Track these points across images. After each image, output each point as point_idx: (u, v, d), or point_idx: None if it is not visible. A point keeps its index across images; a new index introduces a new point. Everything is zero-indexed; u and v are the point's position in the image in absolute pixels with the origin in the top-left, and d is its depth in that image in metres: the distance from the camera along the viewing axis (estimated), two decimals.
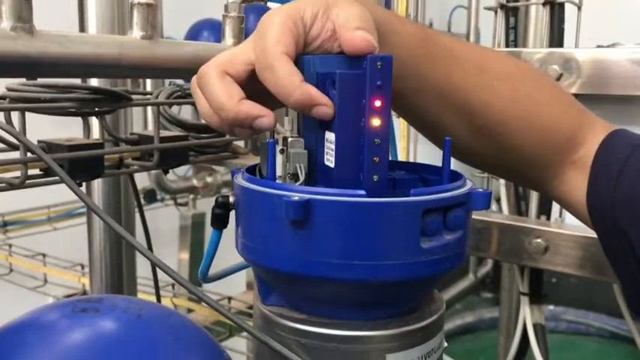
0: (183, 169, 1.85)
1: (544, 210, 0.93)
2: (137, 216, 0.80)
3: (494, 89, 0.53)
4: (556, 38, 0.97)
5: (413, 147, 0.99)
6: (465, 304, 2.98)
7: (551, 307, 2.76)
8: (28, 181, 0.46)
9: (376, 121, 0.38)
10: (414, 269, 0.38)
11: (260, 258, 0.40)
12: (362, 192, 0.37)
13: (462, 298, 2.94)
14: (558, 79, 0.84)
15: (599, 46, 0.90)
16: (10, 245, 1.51)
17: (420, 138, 1.02)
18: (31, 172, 0.49)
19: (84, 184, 0.73)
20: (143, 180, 1.85)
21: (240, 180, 0.42)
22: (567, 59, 0.85)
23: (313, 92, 0.39)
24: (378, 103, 0.38)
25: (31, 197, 1.68)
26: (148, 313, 0.31)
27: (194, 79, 0.42)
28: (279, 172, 0.42)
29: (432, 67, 0.50)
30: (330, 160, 0.40)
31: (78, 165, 0.49)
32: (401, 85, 0.48)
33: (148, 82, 1.36)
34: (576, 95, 0.87)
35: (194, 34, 1.67)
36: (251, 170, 0.45)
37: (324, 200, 0.37)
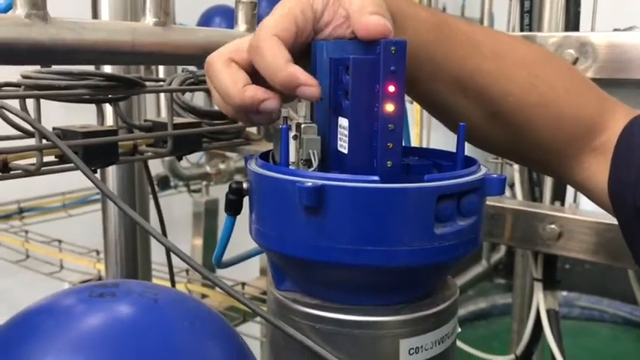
0: (196, 156, 1.86)
1: (558, 196, 0.93)
2: (151, 202, 0.81)
3: (511, 75, 0.52)
4: (572, 22, 0.96)
5: (426, 133, 0.99)
6: (478, 290, 2.99)
7: (564, 293, 2.76)
8: (43, 168, 0.47)
9: (390, 107, 0.38)
10: (428, 255, 0.38)
11: (274, 244, 0.40)
12: (375, 178, 0.37)
13: (474, 284, 2.94)
14: (574, 63, 0.83)
15: (615, 30, 0.88)
16: (26, 232, 1.53)
17: (433, 124, 1.01)
18: (46, 159, 0.50)
19: (98, 170, 0.73)
20: (156, 167, 1.85)
21: (254, 166, 0.42)
22: (583, 43, 0.83)
23: (298, 72, 0.39)
24: (391, 89, 0.38)
25: (46, 184, 1.70)
26: (164, 298, 0.31)
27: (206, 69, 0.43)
28: (292, 158, 0.42)
29: (446, 52, 0.50)
30: (343, 146, 0.40)
31: (92, 152, 0.49)
32: (414, 71, 0.48)
33: (161, 68, 1.36)
34: (592, 80, 0.86)
35: (206, 20, 1.66)
36: (264, 156, 0.45)
37: (338, 186, 0.37)
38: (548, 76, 0.53)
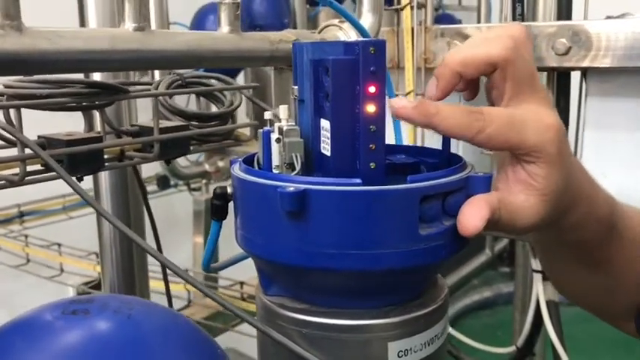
0: (195, 154, 1.86)
1: None
2: (152, 203, 0.80)
3: None
4: (564, 10, 0.95)
5: (421, 128, 0.98)
6: (483, 279, 2.98)
7: None
8: (27, 178, 0.46)
9: (371, 108, 0.37)
10: (414, 257, 0.37)
11: (258, 250, 0.40)
12: (358, 180, 0.36)
13: (479, 273, 2.93)
14: (567, 52, 0.82)
15: (608, 17, 0.87)
16: (26, 236, 1.53)
17: None
18: (33, 167, 0.49)
19: (92, 175, 0.73)
20: (156, 166, 1.85)
21: (237, 171, 0.41)
22: (576, 32, 0.83)
23: None
24: (372, 89, 0.37)
25: (47, 187, 1.70)
26: (138, 312, 0.31)
27: None
28: (276, 161, 0.41)
29: (609, 257, 0.50)
30: (326, 148, 0.40)
31: (77, 160, 0.49)
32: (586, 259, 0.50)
33: (157, 71, 1.35)
34: (587, 69, 0.85)
35: (201, 18, 1.66)
36: (250, 160, 0.44)
37: (320, 190, 0.36)
38: None
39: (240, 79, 1.70)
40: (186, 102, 1.30)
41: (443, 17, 2.29)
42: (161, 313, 0.34)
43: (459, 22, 2.35)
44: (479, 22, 1.92)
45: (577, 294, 0.57)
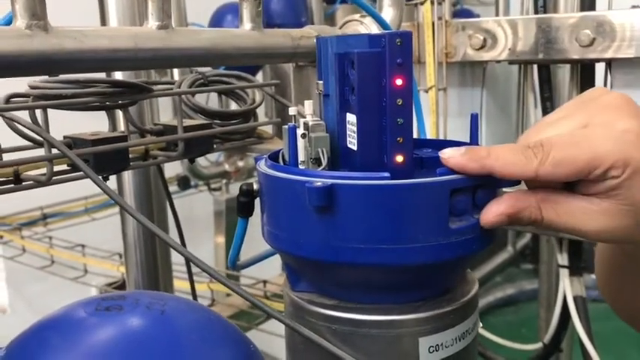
0: (214, 155, 1.86)
1: None
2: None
3: None
4: (587, 1, 0.93)
5: (443, 122, 0.97)
6: (505, 276, 2.95)
7: (594, 275, 2.71)
8: (55, 178, 0.47)
9: (398, 101, 0.37)
10: (444, 251, 0.37)
11: (286, 245, 0.40)
12: (386, 174, 0.36)
13: (501, 270, 2.91)
14: (591, 44, 0.81)
15: (634, 7, 0.86)
16: (50, 237, 1.55)
17: (450, 112, 1.00)
18: (59, 167, 0.50)
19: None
20: (176, 167, 1.86)
21: (263, 167, 0.41)
22: (600, 23, 0.81)
23: None
24: (399, 82, 0.37)
25: (69, 189, 1.72)
26: (171, 308, 0.31)
27: None
28: (302, 157, 0.41)
29: None
30: (352, 142, 0.39)
31: (103, 159, 0.49)
32: None
33: (175, 70, 1.36)
34: (611, 60, 0.84)
35: (218, 18, 1.66)
36: (274, 156, 0.44)
37: (348, 185, 0.36)
38: None
39: (259, 78, 1.70)
40: (206, 100, 1.30)
41: (461, 12, 2.27)
42: (194, 308, 0.34)
43: (477, 16, 2.32)
44: (497, 15, 1.90)
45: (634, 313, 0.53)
